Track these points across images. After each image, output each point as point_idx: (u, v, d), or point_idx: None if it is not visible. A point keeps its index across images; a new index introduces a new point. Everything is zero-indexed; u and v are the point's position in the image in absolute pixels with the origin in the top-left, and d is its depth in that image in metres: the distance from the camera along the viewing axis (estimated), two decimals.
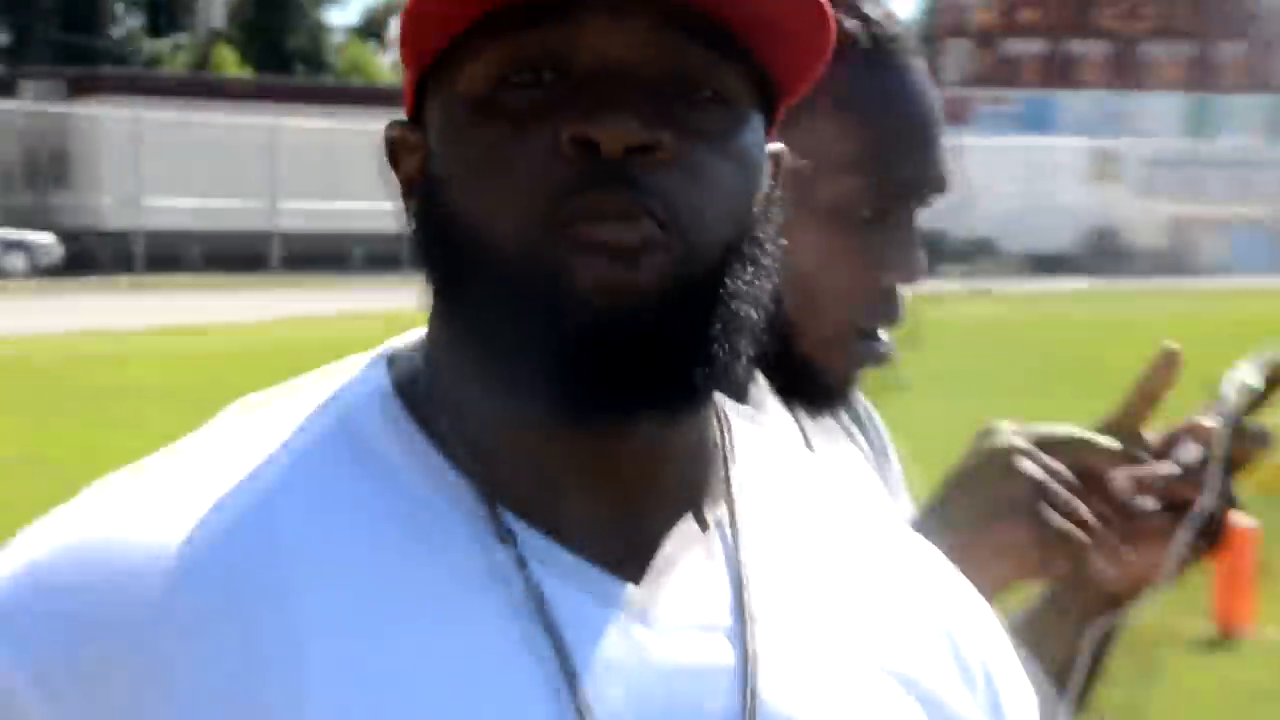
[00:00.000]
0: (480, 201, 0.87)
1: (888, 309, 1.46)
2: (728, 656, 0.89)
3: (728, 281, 0.88)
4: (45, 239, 38.05)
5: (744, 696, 0.88)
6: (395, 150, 0.97)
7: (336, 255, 39.64)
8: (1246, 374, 1.39)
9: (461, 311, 0.91)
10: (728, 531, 0.95)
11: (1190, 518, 1.35)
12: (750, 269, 0.90)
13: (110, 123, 40.98)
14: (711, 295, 0.88)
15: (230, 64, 63.67)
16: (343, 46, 77.53)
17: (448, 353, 0.93)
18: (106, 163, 40.21)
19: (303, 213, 40.18)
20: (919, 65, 1.47)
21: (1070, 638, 1.43)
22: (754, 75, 0.91)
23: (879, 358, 1.48)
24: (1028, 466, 1.36)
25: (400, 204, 0.96)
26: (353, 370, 0.97)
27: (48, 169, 40.52)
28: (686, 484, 0.95)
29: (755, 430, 1.03)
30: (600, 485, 0.91)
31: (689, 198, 0.86)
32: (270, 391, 0.97)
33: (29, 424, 15.91)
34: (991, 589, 1.26)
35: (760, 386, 1.47)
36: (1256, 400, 1.38)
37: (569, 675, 0.84)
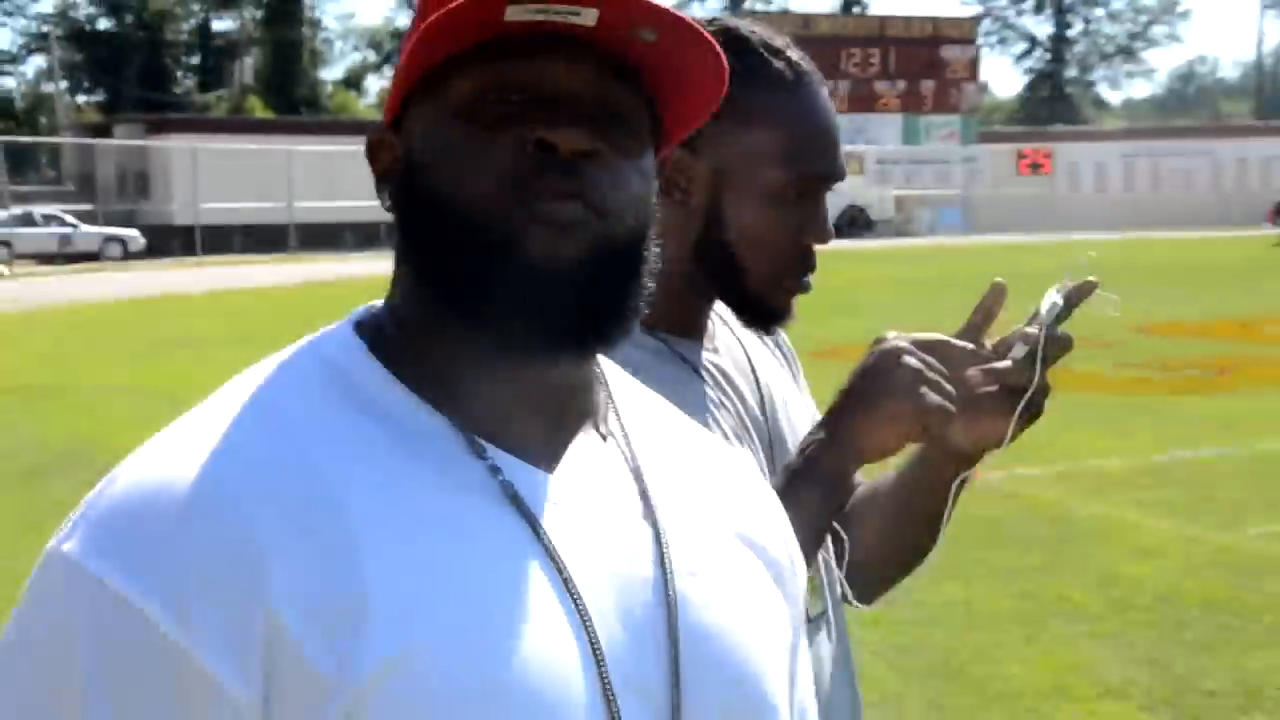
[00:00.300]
0: (458, 182, 1.08)
1: (809, 261, 1.86)
2: (645, 533, 1.13)
3: (632, 258, 1.13)
4: (133, 234, 48.60)
5: (662, 562, 1.12)
6: (375, 148, 1.18)
7: (335, 237, 49.91)
8: (1054, 296, 1.80)
9: (433, 268, 1.10)
10: (621, 440, 1.20)
11: (1024, 398, 1.75)
12: (645, 251, 1.15)
13: (176, 152, 53.04)
14: (621, 266, 1.11)
15: (258, 108, 79.09)
16: (333, 94, 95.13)
17: (416, 310, 1.14)
18: (174, 179, 51.97)
19: (310, 209, 50.51)
20: (824, 91, 1.86)
21: (935, 487, 1.86)
22: (655, 121, 1.17)
23: (803, 292, 1.87)
24: (909, 360, 1.70)
25: (378, 190, 1.18)
26: (328, 336, 1.16)
27: (134, 185, 53.95)
28: (588, 406, 1.20)
29: (612, 366, 1.28)
30: (537, 410, 1.14)
31: (612, 193, 1.09)
32: (264, 361, 1.14)
33: (130, 362, 18.39)
34: (887, 449, 1.73)
35: (724, 316, 1.94)
36: (1061, 315, 1.79)
37: (551, 554, 1.06)
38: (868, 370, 1.75)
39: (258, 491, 1.00)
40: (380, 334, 1.15)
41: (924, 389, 1.68)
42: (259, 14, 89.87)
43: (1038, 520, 9.02)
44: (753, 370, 1.96)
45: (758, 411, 1.91)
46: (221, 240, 48.69)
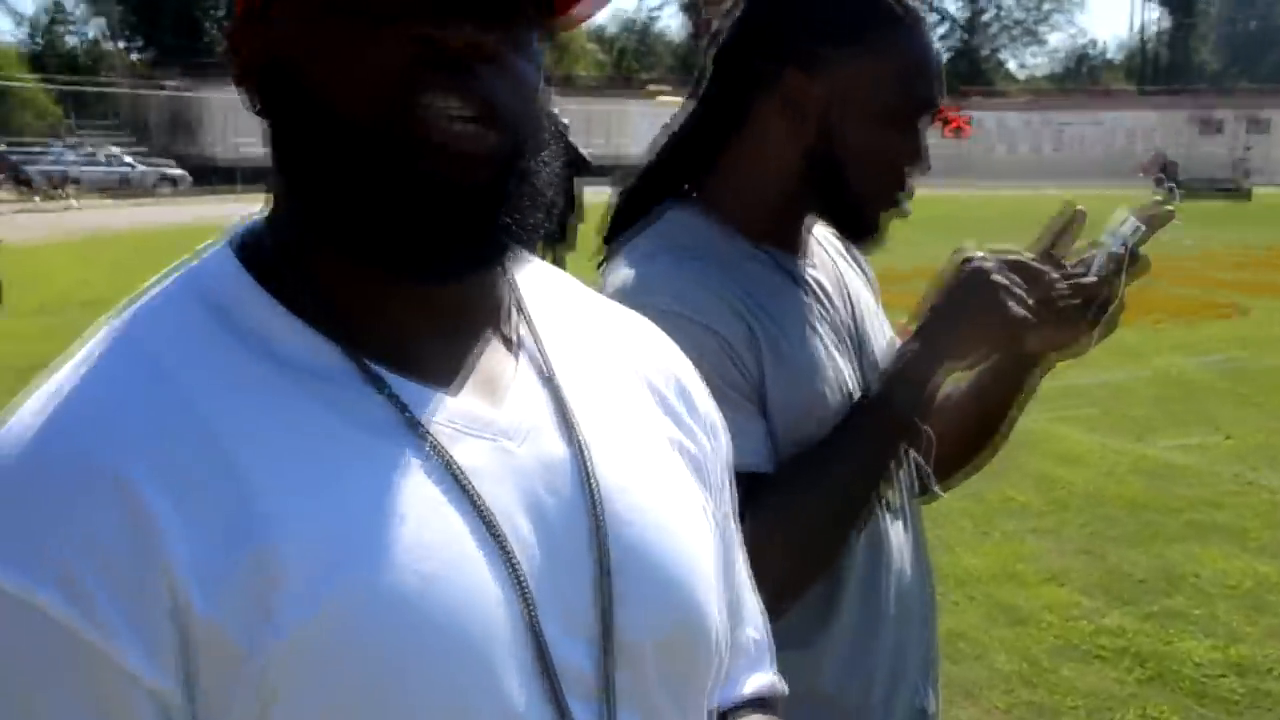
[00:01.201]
0: (336, 84, 0.86)
1: (906, 185, 1.75)
2: (562, 450, 0.94)
3: (532, 159, 0.91)
4: (181, 172, 49.14)
5: (583, 480, 0.93)
6: (235, 40, 0.94)
7: None
8: (1135, 221, 1.73)
9: (311, 184, 0.89)
10: (531, 345, 0.99)
11: (1106, 310, 1.71)
12: (544, 150, 0.93)
13: (216, 100, 51.28)
14: (525, 176, 0.90)
15: None
16: None
17: (297, 227, 0.92)
18: (214, 123, 51.92)
19: None
20: (927, 26, 1.76)
21: (1006, 391, 1.85)
22: (543, 12, 0.93)
23: (900, 216, 1.77)
24: (996, 276, 1.62)
25: (242, 92, 0.95)
26: (205, 263, 0.94)
27: (181, 129, 54.59)
28: (491, 314, 0.98)
29: (522, 264, 1.05)
30: (435, 328, 0.93)
31: (506, 88, 0.88)
32: (138, 298, 0.92)
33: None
34: (974, 359, 1.68)
35: (819, 235, 1.86)
36: (1142, 237, 1.72)
37: (463, 486, 0.87)
38: (958, 285, 1.67)
39: (136, 453, 0.80)
40: (261, 255, 0.93)
41: (1011, 302, 1.60)
42: None
43: None
44: (844, 286, 1.85)
45: (850, 323, 1.80)
46: (256, 176, 48.58)
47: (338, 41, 0.86)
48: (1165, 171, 49.04)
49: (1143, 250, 1.73)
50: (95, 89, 63.14)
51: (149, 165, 48.60)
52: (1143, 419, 9.52)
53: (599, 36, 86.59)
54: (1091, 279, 1.70)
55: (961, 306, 1.63)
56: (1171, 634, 5.37)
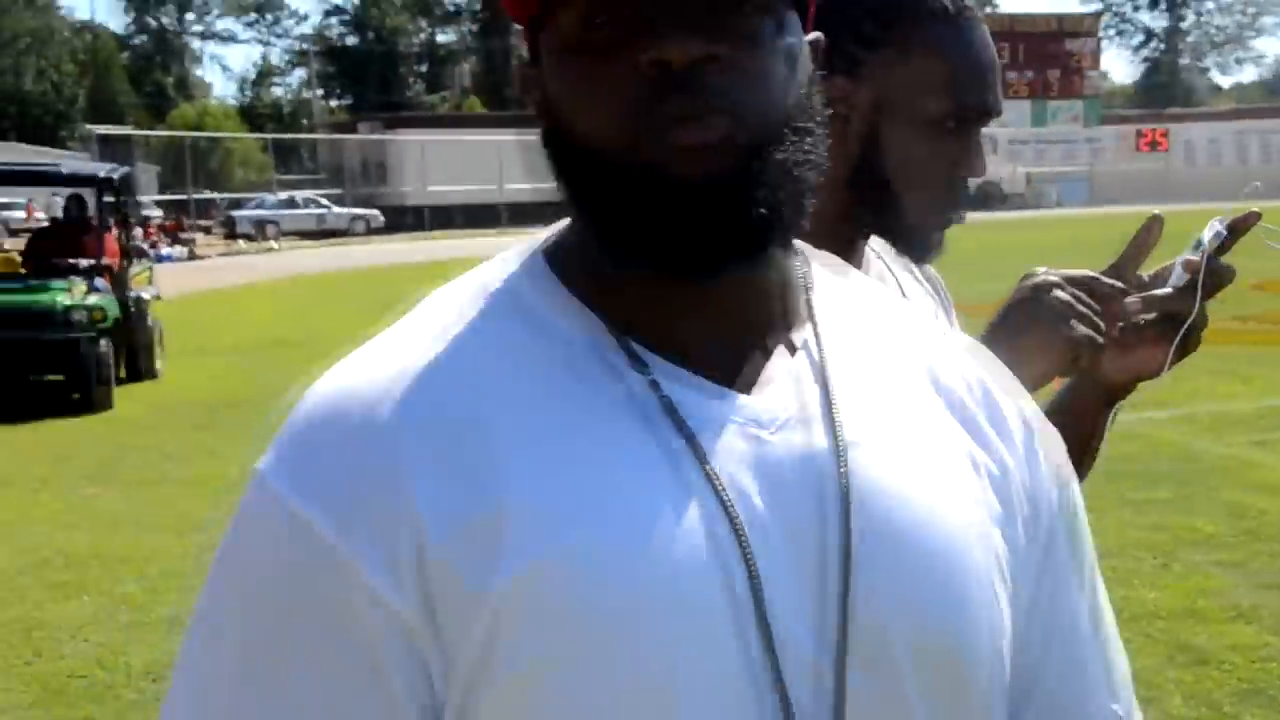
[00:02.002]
0: (584, 118, 0.92)
1: (962, 194, 1.65)
2: (823, 443, 0.94)
3: (786, 155, 0.92)
4: (374, 213, 50.33)
5: (840, 474, 0.92)
6: (523, 85, 1.01)
7: (538, 213, 50.95)
8: (1217, 225, 1.58)
9: (582, 202, 0.95)
10: (813, 350, 0.99)
11: (1183, 327, 1.55)
12: (805, 140, 0.94)
13: (408, 145, 54.39)
14: (774, 168, 0.91)
15: (475, 106, 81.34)
16: None
17: (581, 228, 0.99)
18: (406, 168, 53.84)
19: (517, 190, 50.37)
20: (983, 27, 1.62)
21: (1085, 416, 1.65)
22: None
23: (955, 223, 1.66)
24: (1059, 293, 1.54)
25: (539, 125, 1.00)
26: (515, 252, 1.03)
27: (375, 173, 56.32)
28: (775, 314, 1.00)
29: (830, 267, 1.09)
30: (706, 318, 0.96)
31: (748, 93, 0.90)
32: (453, 281, 1.03)
33: (359, 318, 17.41)
34: (1036, 381, 1.49)
35: (879, 251, 1.73)
36: (1222, 246, 1.56)
37: (703, 467, 0.90)
38: (1018, 302, 1.61)
39: (406, 416, 0.90)
40: (559, 250, 1.01)
41: (1073, 320, 1.53)
42: (474, 27, 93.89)
43: (1163, 458, 8.61)
44: None
45: None
46: (445, 217, 50.55)
47: (578, 81, 0.92)
48: None
49: (1226, 259, 1.58)
50: (296, 137, 65.79)
51: (344, 209, 50.22)
52: None
53: None
54: (1166, 291, 1.58)
55: (1021, 326, 1.56)
56: None
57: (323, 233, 46.82)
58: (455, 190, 51.59)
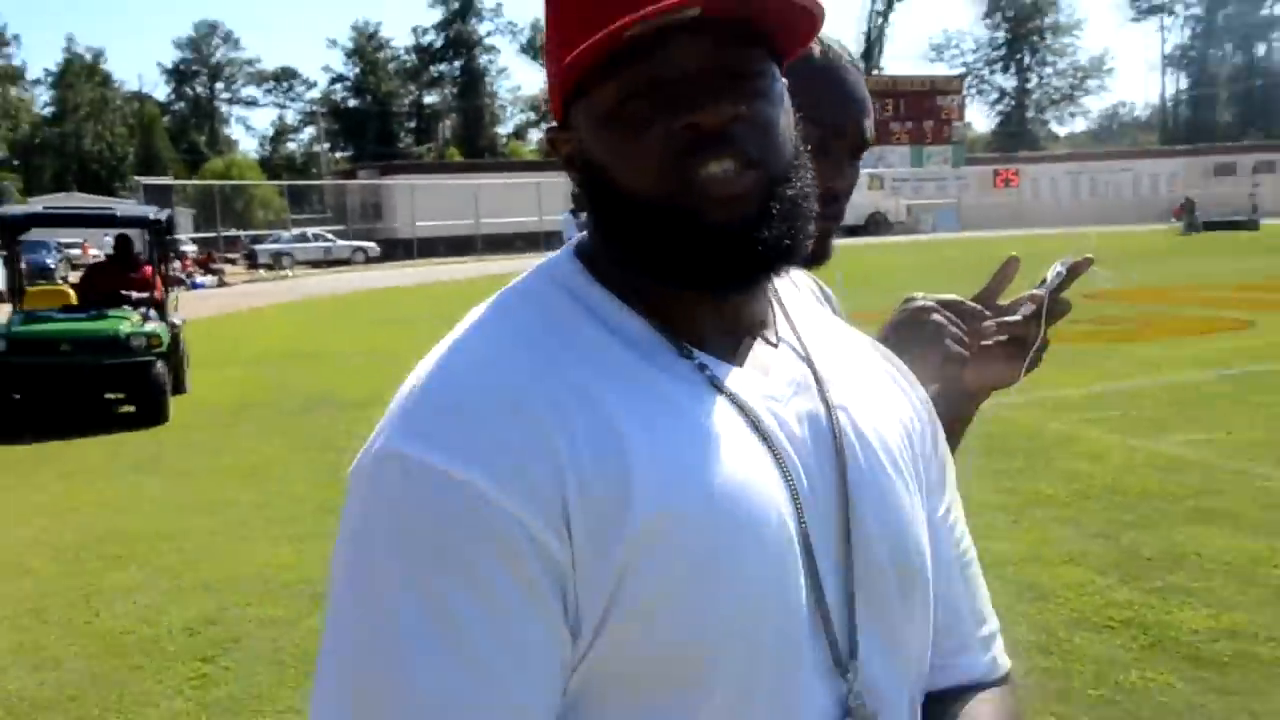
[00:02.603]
0: (626, 173, 0.94)
1: (833, 207, 1.62)
2: (820, 407, 1.01)
3: (795, 189, 0.96)
4: (372, 245, 49.73)
5: (833, 429, 1.00)
6: (553, 144, 1.03)
7: (508, 243, 50.64)
8: (1059, 267, 1.63)
9: (624, 242, 0.96)
10: (790, 335, 1.07)
11: (1031, 349, 1.60)
12: (804, 173, 0.98)
13: (399, 188, 54.07)
14: (789, 203, 0.95)
15: (455, 155, 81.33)
16: (506, 143, 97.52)
17: (615, 257, 0.99)
18: (398, 207, 53.38)
19: (491, 224, 51.60)
20: (855, 73, 1.63)
21: (950, 416, 1.58)
22: (776, 56, 0.98)
23: (832, 232, 1.65)
24: (936, 316, 1.57)
25: (566, 169, 1.02)
26: (555, 263, 1.03)
27: (372, 211, 55.70)
28: (760, 317, 1.05)
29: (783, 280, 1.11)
30: (722, 318, 1.01)
31: (765, 143, 0.93)
32: (510, 288, 1.02)
33: (363, 333, 18.91)
34: (946, 393, 1.55)
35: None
36: (1064, 284, 1.61)
37: (757, 427, 0.95)
38: (902, 323, 1.62)
39: (531, 388, 0.90)
40: (595, 262, 1.02)
41: (948, 339, 1.55)
42: (454, 91, 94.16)
43: (1015, 435, 8.68)
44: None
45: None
46: (430, 248, 50.02)
47: (619, 147, 0.93)
48: (1187, 210, 47.99)
49: (1064, 296, 1.62)
50: (307, 184, 65.44)
51: (346, 242, 49.84)
52: (1158, 420, 9.20)
53: None
54: (1016, 318, 1.61)
55: (907, 340, 1.55)
56: (1172, 605, 5.15)
57: (329, 262, 46.48)
58: (439, 224, 51.25)
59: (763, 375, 1.00)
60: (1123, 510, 6.71)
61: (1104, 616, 5.08)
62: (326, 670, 0.89)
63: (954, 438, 1.65)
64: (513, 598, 0.85)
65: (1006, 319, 1.62)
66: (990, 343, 1.61)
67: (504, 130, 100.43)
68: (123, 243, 13.04)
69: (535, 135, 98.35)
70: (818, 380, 1.03)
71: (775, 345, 1.05)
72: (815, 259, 1.67)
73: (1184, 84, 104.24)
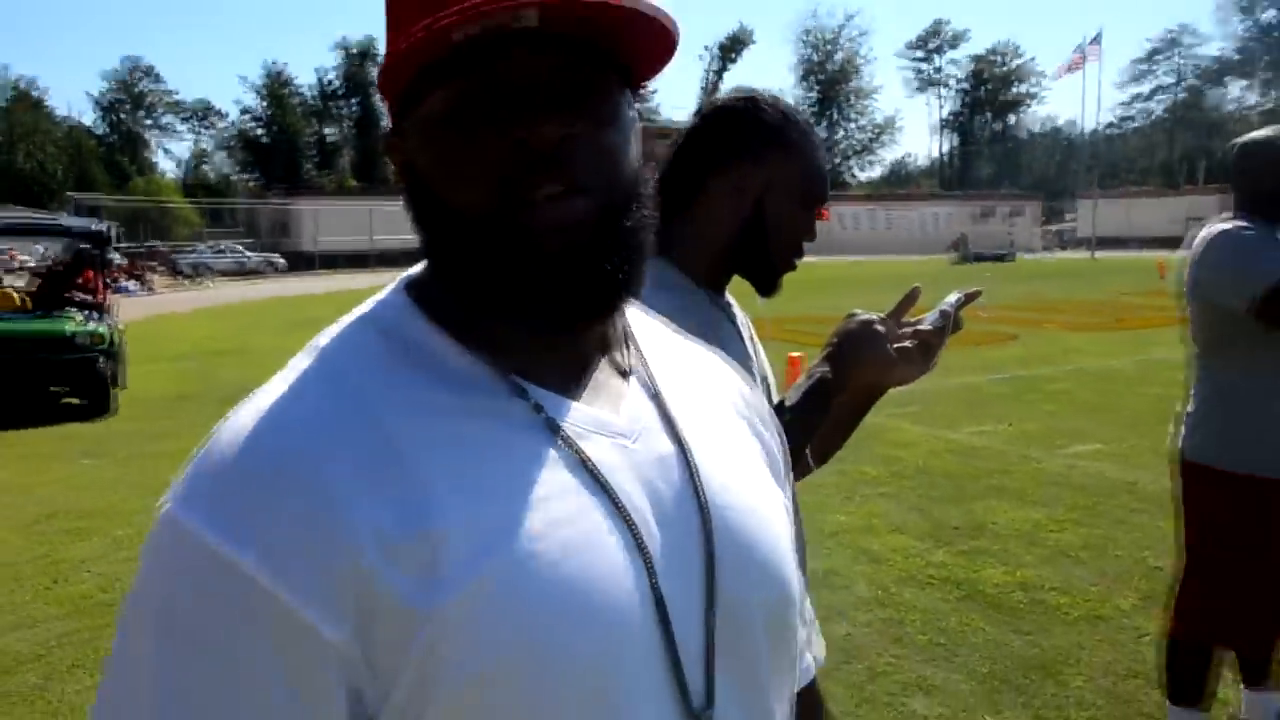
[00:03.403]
0: (451, 189, 0.76)
1: (802, 252, 1.73)
2: (670, 449, 0.82)
3: (632, 219, 0.78)
4: (280, 259, 47.89)
5: (690, 472, 0.81)
6: (388, 149, 0.83)
7: (398, 259, 50.71)
8: (958, 294, 1.74)
9: (449, 262, 0.78)
10: (639, 368, 0.87)
11: (935, 353, 1.68)
12: (644, 207, 0.79)
13: (304, 209, 52.58)
14: (624, 233, 0.77)
15: (351, 182, 77.49)
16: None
17: (442, 281, 0.80)
18: (303, 226, 51.95)
19: (385, 240, 48.72)
20: (814, 134, 1.71)
21: (864, 405, 1.75)
22: (624, 73, 0.79)
23: (792, 270, 1.75)
24: (878, 326, 1.62)
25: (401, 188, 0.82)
26: (383, 300, 0.83)
27: (280, 229, 53.98)
28: (610, 346, 0.86)
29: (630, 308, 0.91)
30: (561, 352, 0.81)
31: (600, 165, 0.75)
32: (332, 327, 0.81)
33: (278, 334, 17.28)
34: (871, 386, 1.66)
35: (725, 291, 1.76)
36: (960, 305, 1.72)
37: (595, 475, 0.76)
38: (854, 333, 1.66)
39: (329, 450, 0.69)
40: (426, 291, 0.81)
41: (886, 345, 1.61)
42: (352, 126, 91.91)
43: None
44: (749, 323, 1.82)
45: (753, 352, 1.75)
46: (331, 261, 48.75)
47: (447, 154, 0.75)
48: (959, 244, 49.78)
49: (961, 314, 1.73)
50: (221, 203, 63.31)
51: (258, 255, 48.39)
52: (953, 415, 9.45)
53: None
54: (928, 329, 1.70)
55: (864, 348, 1.62)
56: (978, 565, 5.32)
57: (243, 272, 45.04)
58: (339, 240, 49.97)
59: (611, 412, 0.81)
60: (931, 488, 6.88)
61: (926, 575, 5.21)
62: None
63: (860, 416, 1.77)
64: (275, 694, 0.66)
65: (920, 329, 1.70)
66: (905, 345, 1.67)
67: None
68: (74, 252, 12.52)
69: None
70: (666, 414, 0.84)
71: (626, 376, 0.85)
72: (775, 292, 1.75)
73: (955, 143, 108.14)
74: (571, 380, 0.81)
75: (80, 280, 12.15)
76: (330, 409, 0.72)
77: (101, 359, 10.78)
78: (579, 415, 0.78)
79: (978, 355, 13.65)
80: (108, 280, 13.06)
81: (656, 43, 0.78)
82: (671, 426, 0.83)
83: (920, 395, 10.38)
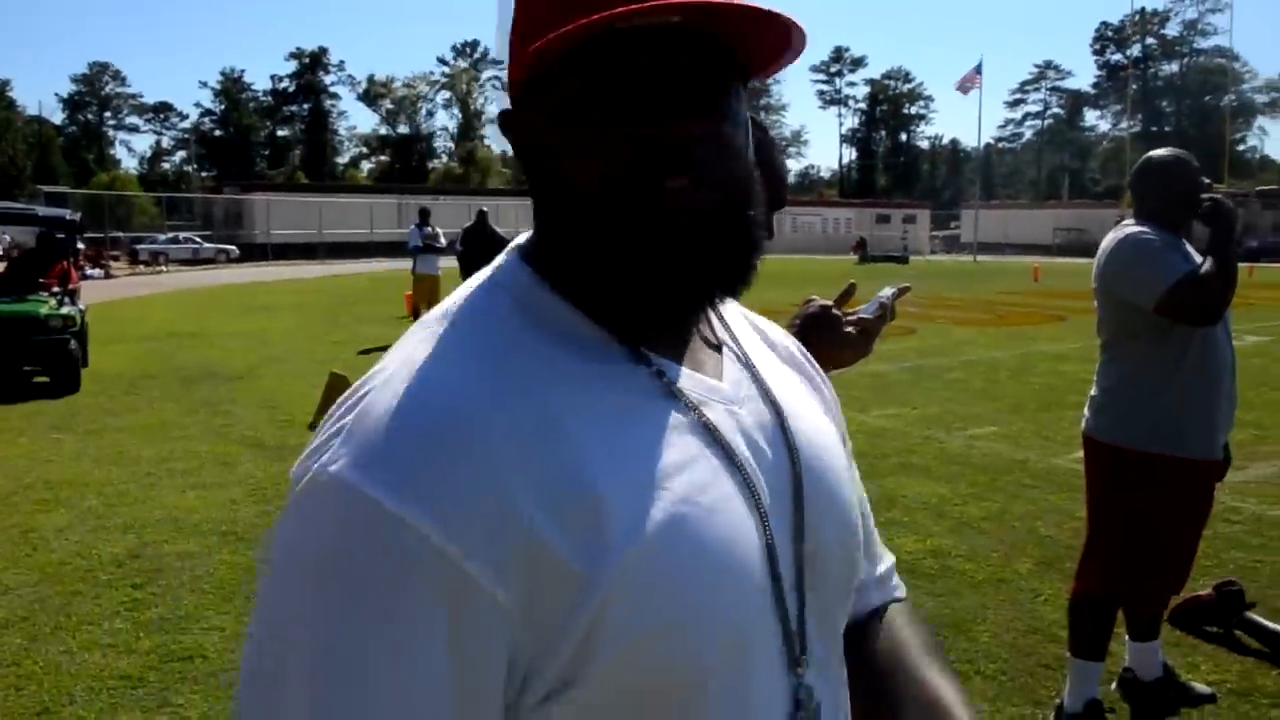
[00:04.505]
0: (579, 169, 0.73)
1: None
2: (768, 412, 0.82)
3: (749, 213, 0.76)
4: (233, 248, 45.83)
5: (784, 434, 0.81)
6: (507, 125, 0.80)
7: (347, 250, 47.72)
8: (891, 288, 1.90)
9: (573, 237, 0.75)
10: (730, 341, 0.87)
11: (874, 338, 1.82)
12: (759, 196, 0.78)
13: (258, 201, 50.57)
14: (746, 224, 0.75)
15: (301, 178, 77.40)
16: (344, 171, 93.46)
17: (567, 257, 0.76)
18: (256, 217, 49.59)
19: (333, 234, 47.73)
20: (770, 138, 1.75)
21: None
22: (744, 74, 0.78)
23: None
24: (834, 311, 1.71)
25: (516, 156, 0.80)
26: (504, 270, 0.80)
27: (234, 220, 51.22)
28: (705, 321, 0.85)
29: None
30: (675, 331, 0.80)
31: (724, 162, 0.74)
32: (459, 297, 0.78)
33: (234, 318, 16.93)
34: (839, 364, 1.75)
35: None
36: (896, 296, 1.89)
37: (717, 439, 0.75)
38: (815, 316, 1.73)
39: (490, 415, 0.67)
40: (544, 264, 0.78)
41: (840, 328, 1.70)
42: (303, 126, 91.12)
43: None
44: None
45: None
46: (282, 252, 47.13)
47: (576, 138, 0.73)
48: (861, 247, 50.49)
49: (895, 305, 1.91)
50: (178, 195, 61.60)
51: (212, 244, 46.99)
52: (863, 399, 9.51)
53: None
54: (869, 317, 1.81)
55: (830, 331, 1.69)
56: (892, 534, 5.32)
57: (198, 261, 43.52)
58: (290, 233, 48.46)
59: (715, 380, 0.80)
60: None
61: None
62: (239, 682, 0.68)
63: None
64: (436, 650, 0.63)
65: (862, 316, 1.79)
66: (848, 331, 1.76)
67: (342, 160, 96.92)
68: (45, 239, 12.06)
69: (367, 166, 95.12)
70: (760, 384, 0.84)
71: (718, 349, 0.85)
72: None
73: (855, 155, 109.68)
74: (677, 350, 0.80)
75: (54, 266, 11.69)
76: (484, 376, 0.69)
77: (72, 340, 10.42)
78: (694, 383, 0.78)
79: (881, 346, 13.75)
80: (77, 266, 12.59)
81: (779, 44, 0.76)
82: (767, 393, 0.84)
83: (833, 382, 10.48)
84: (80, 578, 4.83)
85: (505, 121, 0.80)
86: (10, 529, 5.61)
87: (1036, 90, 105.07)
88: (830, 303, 1.74)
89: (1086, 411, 3.28)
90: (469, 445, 0.65)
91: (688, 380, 0.77)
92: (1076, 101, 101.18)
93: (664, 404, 0.75)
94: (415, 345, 0.73)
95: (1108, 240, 3.20)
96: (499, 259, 0.81)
